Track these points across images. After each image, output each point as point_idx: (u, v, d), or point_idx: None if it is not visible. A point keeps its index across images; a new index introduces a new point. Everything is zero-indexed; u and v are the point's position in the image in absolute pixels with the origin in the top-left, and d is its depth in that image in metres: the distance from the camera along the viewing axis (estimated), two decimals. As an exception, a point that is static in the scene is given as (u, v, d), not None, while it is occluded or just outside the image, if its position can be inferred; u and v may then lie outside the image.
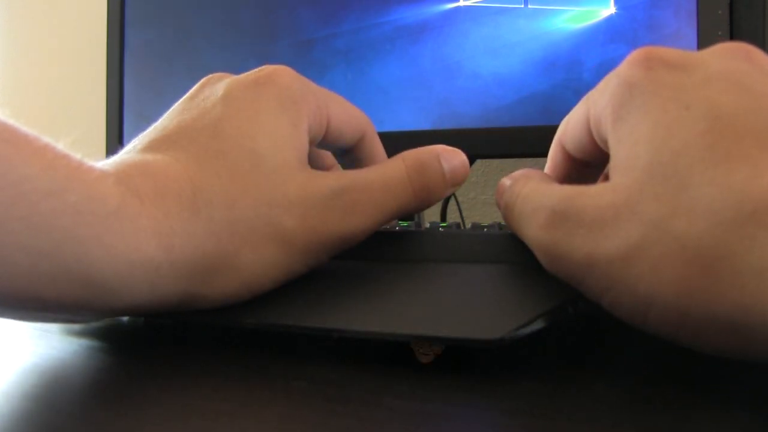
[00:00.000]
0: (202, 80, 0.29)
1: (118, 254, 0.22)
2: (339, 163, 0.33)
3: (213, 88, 0.28)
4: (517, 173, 0.27)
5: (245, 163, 0.25)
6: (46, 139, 0.22)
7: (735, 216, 0.17)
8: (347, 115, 0.29)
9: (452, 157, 0.28)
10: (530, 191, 0.24)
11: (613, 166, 0.21)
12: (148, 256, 0.22)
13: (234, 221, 0.24)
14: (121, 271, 0.22)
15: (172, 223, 0.23)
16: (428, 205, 0.28)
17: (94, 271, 0.21)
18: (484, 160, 0.66)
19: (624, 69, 0.22)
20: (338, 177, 0.26)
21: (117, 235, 0.22)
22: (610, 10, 0.44)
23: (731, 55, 0.21)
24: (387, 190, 0.27)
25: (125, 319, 0.31)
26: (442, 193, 0.28)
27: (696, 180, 0.18)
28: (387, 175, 0.27)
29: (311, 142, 0.28)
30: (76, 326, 0.30)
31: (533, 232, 0.23)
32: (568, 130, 0.26)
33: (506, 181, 0.27)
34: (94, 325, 0.30)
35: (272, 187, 0.25)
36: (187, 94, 0.28)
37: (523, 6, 0.46)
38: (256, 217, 0.24)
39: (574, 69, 0.45)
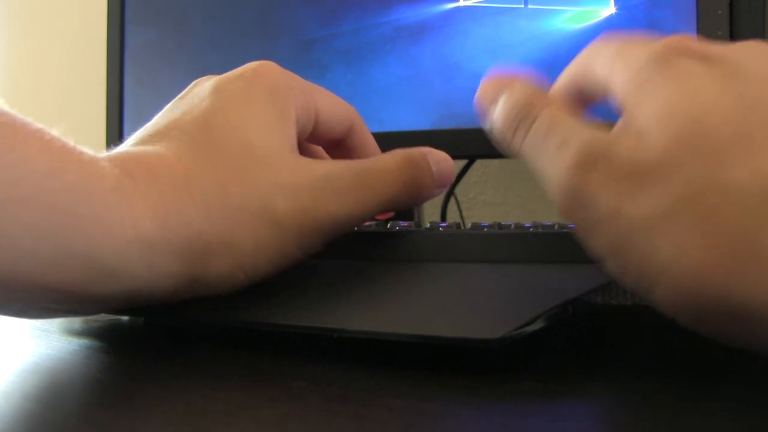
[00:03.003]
0: (192, 83, 0.29)
1: (115, 232, 0.22)
2: (331, 157, 0.33)
3: (202, 86, 0.28)
4: (521, 83, 0.23)
5: (237, 152, 0.25)
6: (39, 124, 0.22)
7: (766, 202, 0.16)
8: (335, 107, 0.30)
9: (439, 158, 0.29)
10: (557, 117, 0.22)
11: (642, 123, 0.19)
12: (144, 234, 0.23)
13: (227, 203, 0.24)
14: (118, 249, 0.22)
15: (166, 203, 0.23)
16: (418, 201, 0.29)
17: (93, 250, 0.22)
18: (484, 160, 0.66)
19: (656, 46, 0.21)
20: (331, 163, 0.27)
21: (114, 213, 0.22)
22: (610, 10, 0.44)
23: (760, 53, 0.20)
24: (379, 178, 0.27)
25: (125, 318, 0.31)
26: (430, 190, 0.29)
27: (732, 159, 0.17)
28: (379, 165, 0.28)
29: (301, 134, 0.28)
30: (76, 326, 0.30)
31: (558, 167, 0.20)
32: (589, 72, 0.23)
33: (499, 85, 0.24)
34: (94, 325, 0.30)
35: (265, 171, 0.25)
36: (178, 96, 0.29)
37: (523, 6, 0.46)
38: (249, 198, 0.25)
39: (574, 69, 0.45)
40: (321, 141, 0.31)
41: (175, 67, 0.57)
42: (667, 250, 0.18)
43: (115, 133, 0.59)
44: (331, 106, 0.30)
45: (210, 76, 0.29)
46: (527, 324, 0.20)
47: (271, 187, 0.25)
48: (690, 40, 0.21)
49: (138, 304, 0.25)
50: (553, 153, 0.21)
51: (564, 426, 0.17)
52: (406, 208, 0.29)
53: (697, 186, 0.17)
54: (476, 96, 0.25)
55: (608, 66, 0.23)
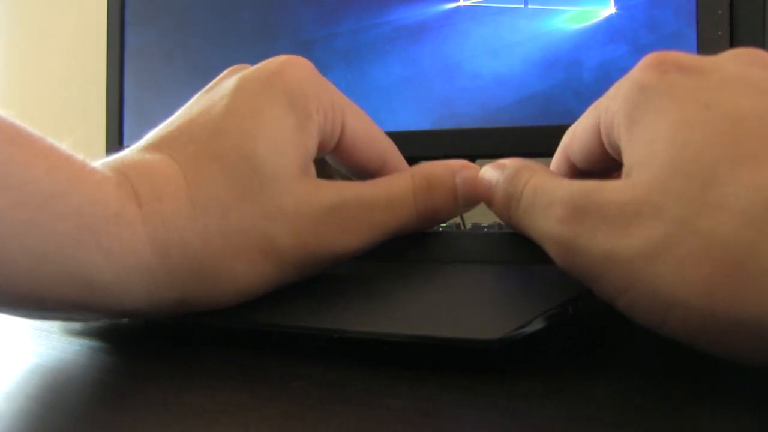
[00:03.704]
0: (225, 71, 0.28)
1: (116, 259, 0.22)
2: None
3: (227, 81, 0.27)
4: (510, 164, 0.25)
5: (243, 168, 0.24)
6: (50, 140, 0.22)
7: (763, 215, 0.16)
8: (366, 132, 0.27)
9: (470, 176, 0.27)
10: (540, 183, 0.23)
11: (630, 166, 0.20)
12: (144, 261, 0.22)
13: (228, 231, 0.24)
14: (119, 275, 0.22)
15: (168, 231, 0.23)
16: (434, 225, 0.27)
17: (94, 274, 0.21)
18: (484, 160, 0.66)
19: (636, 73, 0.21)
20: (339, 190, 0.25)
21: (116, 239, 0.22)
22: (610, 10, 0.44)
23: (745, 60, 0.20)
24: (389, 209, 0.26)
25: (125, 319, 0.31)
26: (451, 212, 0.27)
27: (721, 178, 0.17)
28: (392, 192, 0.26)
29: (322, 147, 0.27)
30: (77, 326, 0.30)
31: (549, 225, 0.21)
32: (575, 140, 0.25)
33: (494, 173, 0.25)
34: (95, 325, 0.30)
35: (269, 197, 0.24)
36: (207, 86, 0.28)
37: (523, 6, 0.46)
38: (251, 228, 0.24)
39: (574, 69, 0.45)
40: (343, 163, 0.28)
41: (175, 67, 0.57)
42: (672, 277, 0.17)
43: (115, 134, 0.59)
44: (362, 129, 0.27)
45: (242, 66, 0.27)
46: (527, 324, 0.20)
47: (274, 219, 0.24)
48: (669, 53, 0.21)
49: (137, 319, 0.25)
50: (543, 213, 0.22)
51: (564, 426, 0.17)
52: (420, 231, 0.27)
53: (690, 210, 0.17)
54: (477, 190, 0.26)
55: (592, 113, 0.24)
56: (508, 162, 0.25)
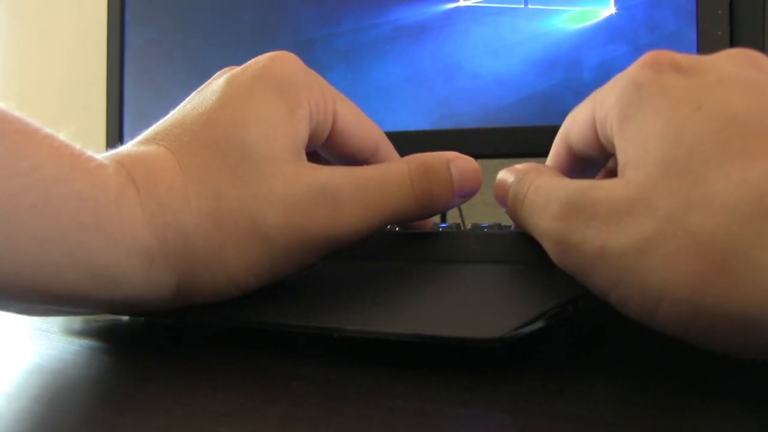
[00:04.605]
0: (216, 74, 0.28)
1: (116, 242, 0.22)
2: None
3: (219, 79, 0.27)
4: (522, 167, 0.26)
5: (234, 154, 0.24)
6: (47, 129, 0.23)
7: (751, 211, 0.16)
8: (358, 120, 0.28)
9: (463, 166, 0.27)
10: (542, 183, 0.24)
11: (624, 163, 0.21)
12: (143, 245, 0.23)
13: (220, 215, 0.24)
14: (119, 259, 0.22)
15: (164, 215, 0.23)
16: (432, 213, 0.27)
17: (95, 258, 0.22)
18: (484, 160, 0.66)
19: (632, 71, 0.22)
20: (331, 172, 0.25)
21: (116, 223, 0.22)
22: (610, 10, 0.44)
23: (740, 61, 0.21)
24: (383, 190, 0.25)
25: (125, 318, 0.31)
26: (449, 201, 0.27)
27: (711, 176, 0.17)
28: (386, 175, 0.26)
29: (315, 137, 0.27)
30: (77, 326, 0.30)
31: (546, 222, 0.22)
32: (574, 127, 0.25)
33: (508, 176, 0.26)
34: (95, 325, 0.30)
35: (258, 180, 0.24)
36: (199, 87, 0.28)
37: (523, 6, 0.46)
38: (240, 211, 0.24)
39: (574, 69, 0.45)
40: (336, 153, 0.29)
41: (175, 67, 0.57)
42: (661, 271, 0.18)
43: (115, 133, 0.59)
44: (353, 118, 0.28)
45: (233, 67, 0.28)
46: (527, 324, 0.20)
47: (263, 200, 0.24)
48: (665, 53, 0.21)
49: (137, 310, 0.25)
50: (541, 211, 0.23)
51: (564, 426, 0.17)
52: (419, 220, 0.27)
53: (681, 207, 0.18)
54: (494, 195, 0.27)
55: (588, 105, 0.24)
56: (520, 165, 0.26)
